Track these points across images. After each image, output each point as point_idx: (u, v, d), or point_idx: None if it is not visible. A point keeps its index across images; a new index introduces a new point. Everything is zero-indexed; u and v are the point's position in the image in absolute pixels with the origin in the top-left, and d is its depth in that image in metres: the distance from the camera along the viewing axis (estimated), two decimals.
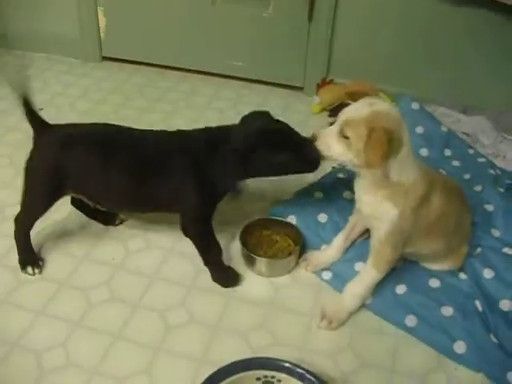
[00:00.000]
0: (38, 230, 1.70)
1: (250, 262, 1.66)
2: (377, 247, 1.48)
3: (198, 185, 1.53)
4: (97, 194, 1.59)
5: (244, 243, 1.67)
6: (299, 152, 1.48)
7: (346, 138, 1.36)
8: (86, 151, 1.53)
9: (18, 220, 1.62)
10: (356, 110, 1.36)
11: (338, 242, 1.64)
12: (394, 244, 1.46)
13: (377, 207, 1.43)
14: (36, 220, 1.61)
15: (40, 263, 1.64)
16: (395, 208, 1.41)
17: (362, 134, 1.32)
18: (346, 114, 1.38)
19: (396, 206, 1.41)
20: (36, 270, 1.62)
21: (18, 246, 1.64)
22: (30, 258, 1.64)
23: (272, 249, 1.71)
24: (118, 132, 1.60)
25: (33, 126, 1.56)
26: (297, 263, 1.68)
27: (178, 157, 1.54)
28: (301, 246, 1.68)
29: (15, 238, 1.63)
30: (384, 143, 1.29)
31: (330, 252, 1.65)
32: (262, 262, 1.63)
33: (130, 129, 1.62)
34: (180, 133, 1.62)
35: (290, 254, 1.67)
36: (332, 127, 1.41)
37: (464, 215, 1.58)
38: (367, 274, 1.50)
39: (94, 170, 1.53)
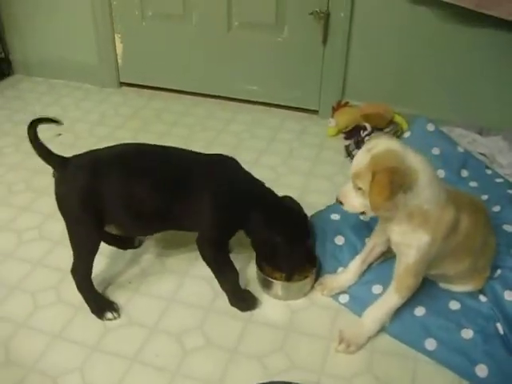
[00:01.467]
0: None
1: (266, 285, 1.65)
2: (401, 273, 1.46)
3: (220, 209, 1.54)
4: (128, 216, 1.54)
5: (260, 267, 1.67)
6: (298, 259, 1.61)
7: (360, 189, 1.38)
8: (115, 173, 1.51)
9: (75, 271, 1.57)
10: (360, 160, 1.37)
11: (355, 265, 1.63)
12: (419, 271, 1.45)
13: (408, 235, 1.42)
14: (92, 262, 1.56)
15: (115, 306, 1.60)
16: (426, 235, 1.40)
17: (369, 180, 1.33)
18: (353, 166, 1.39)
19: (427, 233, 1.39)
20: (115, 314, 1.57)
21: (85, 298, 1.58)
22: (103, 304, 1.60)
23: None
24: (140, 150, 1.60)
25: (51, 164, 1.52)
26: (313, 286, 1.67)
27: (204, 178, 1.55)
28: (317, 268, 1.68)
29: (80, 290, 1.58)
30: (386, 184, 1.29)
31: (346, 276, 1.64)
32: (278, 285, 1.63)
33: (150, 145, 1.62)
34: (208, 156, 1.64)
35: (306, 276, 1.66)
36: (348, 184, 1.42)
37: (489, 235, 1.56)
38: (389, 298, 1.48)
39: (128, 190, 1.51)
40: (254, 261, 1.68)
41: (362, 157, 1.36)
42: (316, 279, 1.68)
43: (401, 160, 1.32)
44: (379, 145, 1.36)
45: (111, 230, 1.60)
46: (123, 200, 1.52)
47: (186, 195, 1.53)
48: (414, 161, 1.34)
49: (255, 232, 1.59)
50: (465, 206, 1.44)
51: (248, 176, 1.63)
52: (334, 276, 1.67)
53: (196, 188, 1.53)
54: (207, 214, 1.53)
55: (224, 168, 1.61)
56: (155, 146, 1.63)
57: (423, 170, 1.35)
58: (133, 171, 1.53)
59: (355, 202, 1.41)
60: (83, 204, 1.49)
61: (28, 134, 1.51)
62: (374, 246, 1.61)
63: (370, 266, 1.65)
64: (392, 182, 1.29)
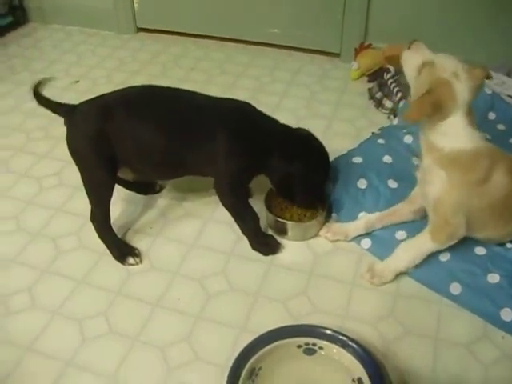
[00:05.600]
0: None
1: (274, 225, 1.64)
2: (433, 217, 1.45)
3: (234, 152, 1.51)
4: (140, 159, 1.53)
5: (269, 208, 1.65)
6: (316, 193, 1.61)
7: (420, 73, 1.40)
8: (124, 116, 1.49)
9: (93, 218, 1.57)
10: (444, 65, 1.36)
11: (369, 219, 1.60)
12: (449, 215, 1.41)
13: (429, 170, 1.42)
14: (108, 207, 1.55)
15: (137, 251, 1.59)
16: (444, 173, 1.38)
17: (425, 86, 1.35)
18: (439, 59, 1.38)
19: (445, 171, 1.38)
20: (137, 259, 1.57)
21: (106, 244, 1.59)
22: (124, 249, 1.59)
23: (297, 213, 1.67)
24: (150, 93, 1.57)
25: (59, 112, 1.53)
26: (321, 228, 1.65)
27: (217, 122, 1.51)
28: (327, 211, 1.66)
29: (100, 237, 1.58)
30: (426, 110, 1.34)
31: (354, 225, 1.61)
32: (286, 225, 1.61)
33: (160, 87, 1.58)
34: (221, 100, 1.60)
35: (314, 218, 1.63)
36: (425, 52, 1.42)
37: None
38: (422, 238, 1.46)
39: (138, 132, 1.49)
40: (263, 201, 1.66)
41: (449, 66, 1.36)
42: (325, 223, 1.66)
43: (453, 99, 1.34)
44: (461, 78, 1.35)
45: (126, 174, 1.59)
46: (134, 143, 1.50)
47: (199, 139, 1.50)
48: (459, 108, 1.36)
49: (274, 169, 1.55)
50: (503, 163, 1.40)
51: (263, 116, 1.58)
52: (342, 223, 1.65)
53: (209, 131, 1.50)
54: (222, 159, 1.50)
55: (238, 111, 1.57)
56: (166, 88, 1.58)
57: (460, 112, 1.36)
58: (143, 114, 1.50)
59: (411, 70, 1.42)
60: (94, 148, 1.48)
61: (34, 96, 1.56)
62: (399, 210, 1.59)
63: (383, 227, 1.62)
64: (430, 111, 1.34)
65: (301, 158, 1.54)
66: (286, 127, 1.59)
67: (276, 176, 1.58)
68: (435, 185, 1.41)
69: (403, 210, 1.59)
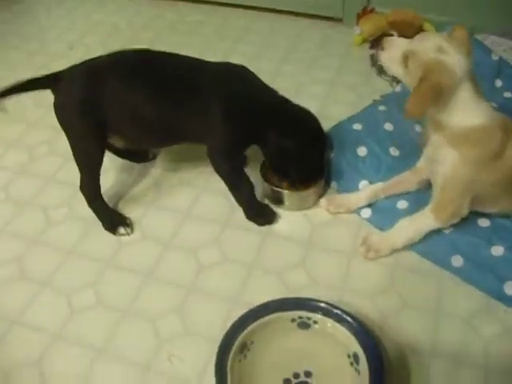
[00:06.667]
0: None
1: (269, 194, 1.59)
2: (438, 194, 1.39)
3: (229, 119, 1.44)
4: (131, 125, 1.47)
5: (265, 177, 1.59)
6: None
7: (406, 66, 1.33)
8: (113, 80, 1.42)
9: (83, 187, 1.51)
10: (425, 46, 1.30)
11: (372, 189, 1.54)
12: (457, 193, 1.36)
13: (438, 148, 1.36)
14: (98, 176, 1.50)
15: (128, 221, 1.55)
16: (456, 152, 1.32)
17: (417, 75, 1.28)
18: (418, 43, 1.32)
19: (457, 149, 1.32)
20: (128, 229, 1.53)
21: (97, 214, 1.54)
22: (115, 219, 1.55)
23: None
24: (141, 56, 1.50)
25: (46, 86, 1.45)
26: (318, 199, 1.59)
27: (212, 86, 1.45)
28: (323, 181, 1.60)
29: (90, 207, 1.53)
30: (428, 99, 1.26)
31: (357, 196, 1.55)
32: (280, 194, 1.56)
33: (151, 51, 1.53)
34: (216, 64, 1.54)
35: (310, 187, 1.57)
36: (401, 43, 1.36)
37: None
38: (423, 216, 1.41)
39: (129, 97, 1.43)
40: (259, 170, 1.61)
41: (431, 46, 1.29)
42: (323, 194, 1.61)
43: (452, 80, 1.27)
44: (452, 55, 1.27)
45: (117, 142, 1.53)
46: (124, 109, 1.43)
47: (193, 103, 1.43)
48: (462, 80, 1.28)
49: (268, 142, 1.49)
50: None
51: (259, 83, 1.52)
52: (344, 195, 1.59)
53: (203, 96, 1.43)
54: (216, 124, 1.44)
55: (233, 76, 1.50)
56: (159, 52, 1.51)
57: (467, 87, 1.29)
58: (132, 78, 1.43)
59: (394, 66, 1.37)
60: (81, 115, 1.42)
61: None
62: (404, 180, 1.53)
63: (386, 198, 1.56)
64: (432, 100, 1.26)
65: (297, 136, 1.48)
66: (284, 100, 1.52)
67: (269, 150, 1.52)
68: (446, 163, 1.34)
69: (408, 180, 1.53)
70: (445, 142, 1.34)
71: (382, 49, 1.39)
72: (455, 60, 1.27)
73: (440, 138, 1.35)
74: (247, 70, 1.53)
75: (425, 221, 1.41)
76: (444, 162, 1.35)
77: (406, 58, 1.33)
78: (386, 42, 1.39)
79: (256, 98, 1.48)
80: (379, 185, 1.55)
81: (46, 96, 1.47)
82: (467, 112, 1.31)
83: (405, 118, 1.31)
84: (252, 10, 2.61)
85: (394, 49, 1.36)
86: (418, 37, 1.35)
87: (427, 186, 1.50)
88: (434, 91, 1.26)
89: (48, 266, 1.46)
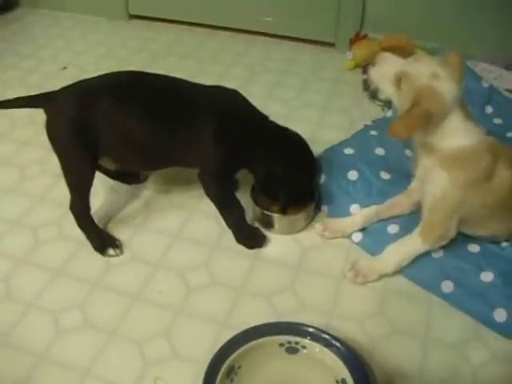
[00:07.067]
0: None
1: (260, 218, 1.59)
2: (427, 216, 1.39)
3: (220, 144, 1.45)
4: (123, 148, 1.47)
5: (255, 200, 1.59)
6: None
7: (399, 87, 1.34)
8: (106, 102, 1.42)
9: (73, 207, 1.50)
10: (420, 70, 1.30)
11: (366, 213, 1.54)
12: (445, 216, 1.36)
13: (429, 171, 1.37)
14: (88, 197, 1.49)
15: (117, 243, 1.54)
16: (445, 173, 1.33)
17: (409, 99, 1.29)
18: (412, 66, 1.32)
19: (446, 171, 1.33)
20: (117, 251, 1.51)
21: (86, 234, 1.53)
22: (105, 240, 1.54)
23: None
24: (135, 78, 1.50)
25: (40, 105, 1.46)
26: (309, 223, 1.60)
27: (204, 110, 1.45)
28: (314, 204, 1.60)
29: (80, 228, 1.52)
30: (416, 125, 1.27)
31: (352, 221, 1.55)
32: (271, 218, 1.56)
33: (145, 73, 1.52)
34: (208, 87, 1.54)
35: (300, 210, 1.57)
36: (395, 62, 1.36)
37: None
38: (411, 241, 1.41)
39: (121, 120, 1.42)
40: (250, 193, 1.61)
41: (426, 70, 1.29)
42: (313, 218, 1.61)
43: (443, 107, 1.29)
44: (446, 82, 1.29)
45: (108, 163, 1.52)
46: (116, 131, 1.43)
47: (185, 127, 1.43)
48: (452, 106, 1.29)
49: (258, 167, 1.50)
50: (506, 158, 1.34)
51: (251, 108, 1.53)
52: (338, 219, 1.58)
53: (195, 120, 1.44)
54: (208, 149, 1.44)
55: (226, 100, 1.51)
56: (153, 74, 1.52)
57: (456, 112, 1.31)
58: (125, 100, 1.43)
59: (387, 85, 1.37)
60: (73, 136, 1.41)
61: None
62: (397, 203, 1.53)
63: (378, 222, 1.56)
64: (420, 125, 1.27)
65: (286, 160, 1.48)
66: (274, 125, 1.53)
67: (259, 175, 1.53)
68: (436, 185, 1.35)
69: (402, 203, 1.53)
70: (435, 164, 1.35)
71: (374, 64, 1.40)
72: (448, 87, 1.28)
73: (430, 160, 1.36)
74: (239, 94, 1.54)
75: (412, 245, 1.41)
76: (434, 183, 1.36)
77: (398, 79, 1.33)
78: (380, 57, 1.39)
79: (247, 123, 1.49)
80: (373, 208, 1.54)
81: (41, 115, 1.47)
82: (456, 135, 1.32)
83: (388, 136, 1.30)
84: (248, 34, 2.63)
85: (387, 67, 1.37)
86: (412, 58, 1.35)
87: (420, 209, 1.49)
88: (424, 117, 1.27)
89: (35, 285, 1.45)
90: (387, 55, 1.39)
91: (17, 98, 1.49)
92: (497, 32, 2.25)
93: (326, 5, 2.42)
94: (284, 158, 1.48)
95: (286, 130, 1.53)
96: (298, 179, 1.50)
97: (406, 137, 1.32)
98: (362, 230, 1.55)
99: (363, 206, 1.57)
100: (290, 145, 1.51)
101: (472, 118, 1.36)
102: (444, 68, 1.30)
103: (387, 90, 1.38)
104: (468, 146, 1.32)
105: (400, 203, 1.53)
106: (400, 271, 1.45)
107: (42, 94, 1.48)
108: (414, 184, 1.51)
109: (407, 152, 1.70)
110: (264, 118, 1.53)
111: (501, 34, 2.25)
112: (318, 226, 1.57)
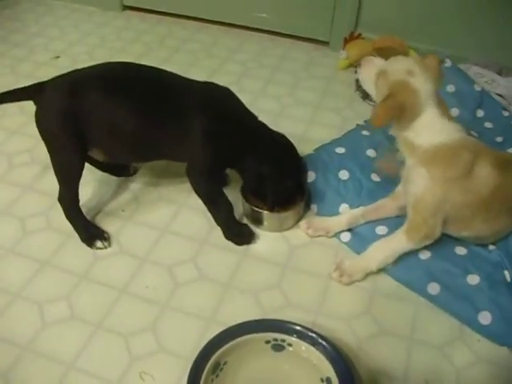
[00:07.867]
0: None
1: (249, 214, 1.59)
2: (411, 215, 1.40)
3: (209, 140, 1.45)
4: (111, 139, 1.46)
5: (246, 197, 1.59)
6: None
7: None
8: (95, 93, 1.41)
9: (61, 199, 1.50)
10: (396, 68, 1.37)
11: (352, 214, 1.55)
12: (429, 214, 1.37)
13: (410, 170, 1.39)
14: (77, 188, 1.48)
15: (105, 235, 1.53)
16: (424, 170, 1.35)
17: (384, 92, 1.36)
18: (390, 64, 1.40)
19: (425, 168, 1.35)
20: (105, 243, 1.51)
21: (74, 226, 1.52)
22: (93, 232, 1.53)
23: None
24: (125, 70, 1.49)
25: (30, 97, 1.45)
26: (299, 220, 1.60)
27: (194, 105, 1.45)
28: (303, 203, 1.60)
29: (68, 219, 1.51)
30: (390, 113, 1.33)
31: (337, 220, 1.56)
32: (260, 215, 1.56)
33: (136, 65, 1.52)
34: (200, 83, 1.54)
35: (289, 209, 1.57)
36: (377, 63, 1.44)
37: None
38: (396, 239, 1.42)
39: (110, 111, 1.41)
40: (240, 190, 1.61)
41: (401, 68, 1.36)
42: (303, 216, 1.61)
43: (417, 100, 1.34)
44: (419, 78, 1.35)
45: (97, 155, 1.51)
46: (105, 123, 1.42)
47: (174, 121, 1.43)
48: (427, 102, 1.35)
49: (245, 167, 1.51)
50: (487, 157, 1.36)
51: (241, 107, 1.53)
52: (324, 218, 1.59)
53: (185, 115, 1.43)
54: (197, 144, 1.44)
55: (217, 97, 1.51)
56: (144, 66, 1.51)
57: (432, 112, 1.36)
58: (115, 92, 1.42)
59: (369, 84, 1.44)
60: (62, 127, 1.40)
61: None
62: (383, 206, 1.54)
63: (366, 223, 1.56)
64: (395, 115, 1.34)
65: (272, 161, 1.49)
66: (261, 125, 1.54)
67: (246, 174, 1.53)
68: (416, 183, 1.37)
69: (388, 206, 1.54)
70: (416, 162, 1.37)
71: (359, 66, 1.47)
72: (421, 83, 1.34)
73: (413, 159, 1.38)
74: (230, 92, 1.53)
75: (397, 243, 1.42)
76: (415, 181, 1.38)
77: (378, 78, 1.40)
78: (365, 60, 1.47)
79: (236, 122, 1.48)
80: (359, 210, 1.55)
81: (29, 103, 1.45)
82: (431, 132, 1.35)
83: (370, 125, 1.37)
84: (242, 30, 2.61)
85: (371, 67, 1.44)
86: (392, 59, 1.41)
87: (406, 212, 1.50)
88: (398, 108, 1.32)
89: (22, 276, 1.44)
90: (372, 57, 1.47)
91: (6, 92, 1.47)
92: (491, 35, 2.26)
93: (321, 3, 2.41)
94: (270, 158, 1.49)
95: (272, 131, 1.54)
96: (283, 180, 1.51)
97: (380, 124, 1.36)
98: (351, 230, 1.56)
99: (353, 206, 1.58)
100: (276, 146, 1.52)
101: (452, 118, 1.40)
102: (420, 67, 1.36)
103: (370, 90, 1.45)
104: (445, 143, 1.35)
105: (386, 206, 1.54)
106: (387, 272, 1.45)
107: (31, 85, 1.46)
108: (399, 187, 1.52)
109: (398, 155, 1.70)
110: (253, 117, 1.53)
111: (495, 36, 2.26)
112: (302, 223, 1.58)
